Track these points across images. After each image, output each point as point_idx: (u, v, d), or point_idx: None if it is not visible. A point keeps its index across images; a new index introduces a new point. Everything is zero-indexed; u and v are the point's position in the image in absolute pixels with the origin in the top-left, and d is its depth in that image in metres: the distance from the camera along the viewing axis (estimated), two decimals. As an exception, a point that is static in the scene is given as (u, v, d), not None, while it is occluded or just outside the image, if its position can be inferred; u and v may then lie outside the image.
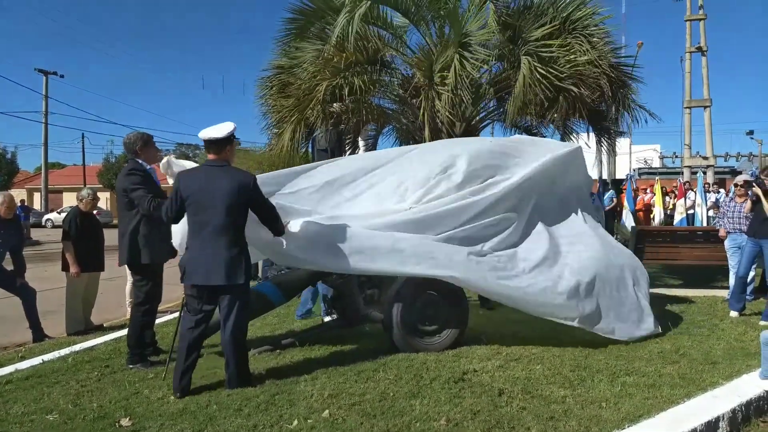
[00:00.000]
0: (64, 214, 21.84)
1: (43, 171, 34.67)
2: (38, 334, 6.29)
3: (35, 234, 24.04)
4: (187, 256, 4.02)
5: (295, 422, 3.44)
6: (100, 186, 40.52)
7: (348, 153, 11.42)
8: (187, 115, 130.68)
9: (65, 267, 6.60)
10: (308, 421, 3.47)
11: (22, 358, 5.16)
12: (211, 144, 4.03)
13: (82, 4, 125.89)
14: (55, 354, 5.17)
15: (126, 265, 4.90)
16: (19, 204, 25.26)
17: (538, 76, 8.02)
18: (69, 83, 71.37)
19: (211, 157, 4.07)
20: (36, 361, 4.97)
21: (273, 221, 4.21)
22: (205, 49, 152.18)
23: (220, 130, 4.04)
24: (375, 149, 12.41)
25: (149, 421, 3.51)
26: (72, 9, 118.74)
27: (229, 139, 4.10)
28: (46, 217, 34.27)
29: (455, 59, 7.95)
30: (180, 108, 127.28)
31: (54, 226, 31.00)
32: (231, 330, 3.99)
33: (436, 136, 8.43)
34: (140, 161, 4.82)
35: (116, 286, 7.77)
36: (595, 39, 8.67)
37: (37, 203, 42.48)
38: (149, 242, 4.66)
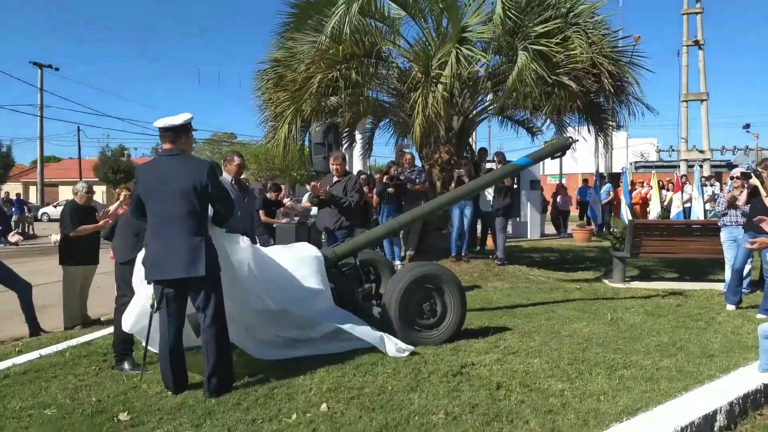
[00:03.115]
0: (60, 208, 21.75)
1: (38, 164, 34.43)
2: (35, 329, 6.26)
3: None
4: (147, 251, 3.85)
5: (294, 416, 3.45)
6: (96, 180, 40.36)
7: (345, 146, 11.43)
8: (183, 109, 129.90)
9: (63, 260, 6.58)
10: (307, 414, 3.47)
11: (20, 353, 5.14)
12: (168, 132, 3.88)
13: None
14: (53, 348, 5.15)
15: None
16: (14, 197, 25.29)
17: (535, 69, 8.00)
18: (64, 76, 70.81)
19: (166, 146, 3.92)
20: (33, 355, 4.95)
21: (222, 217, 4.05)
22: (202, 41, 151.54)
23: (176, 118, 3.92)
24: (372, 143, 12.42)
25: (148, 416, 3.51)
26: (67, 1, 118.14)
27: (186, 128, 3.95)
28: (42, 210, 34.07)
29: (452, 56, 7.93)
30: (176, 101, 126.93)
31: (50, 220, 30.90)
32: (213, 326, 3.83)
33: (433, 130, 8.42)
34: None
35: (112, 280, 7.73)
36: (594, 32, 8.66)
37: (33, 197, 42.32)
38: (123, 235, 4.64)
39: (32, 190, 45.81)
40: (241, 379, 4.08)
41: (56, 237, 6.91)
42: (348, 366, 4.32)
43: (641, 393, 3.80)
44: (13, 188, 40.01)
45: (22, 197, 27.71)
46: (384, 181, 9.22)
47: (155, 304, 3.85)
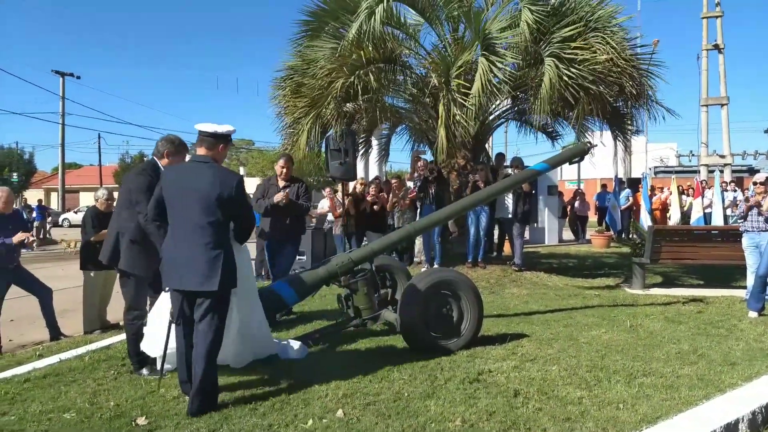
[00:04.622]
0: (81, 214, 22.06)
1: (60, 171, 35.04)
2: (55, 333, 6.36)
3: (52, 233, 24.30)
4: (165, 257, 3.76)
5: (310, 422, 3.44)
6: (116, 186, 40.85)
7: (361, 152, 11.46)
8: (202, 116, 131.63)
9: (83, 265, 6.67)
10: (323, 420, 3.47)
11: (40, 357, 5.20)
12: (208, 137, 3.81)
13: (96, 6, 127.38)
14: (72, 353, 5.20)
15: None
16: (36, 204, 25.70)
17: (565, 78, 7.98)
18: (85, 84, 71.92)
19: (200, 151, 3.83)
20: (53, 359, 5.00)
21: (244, 232, 3.97)
22: (220, 49, 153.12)
23: (221, 126, 3.87)
24: (388, 148, 12.43)
25: (165, 420, 3.52)
26: (87, 11, 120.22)
27: (226, 138, 3.88)
28: (63, 216, 34.63)
29: (481, 64, 7.90)
30: (194, 108, 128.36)
31: (71, 226, 31.34)
32: (205, 343, 3.65)
33: (450, 137, 8.42)
34: (161, 165, 4.52)
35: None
36: (615, 37, 8.61)
37: (55, 203, 42.99)
38: (138, 251, 4.33)
39: (53, 196, 46.51)
40: (257, 385, 4.09)
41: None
42: (364, 372, 4.30)
43: (661, 401, 3.74)
44: (34, 194, 40.68)
45: (43, 203, 28.14)
46: (425, 175, 9.21)
47: (174, 315, 3.78)
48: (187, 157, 4.51)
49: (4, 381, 4.42)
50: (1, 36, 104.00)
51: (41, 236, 22.89)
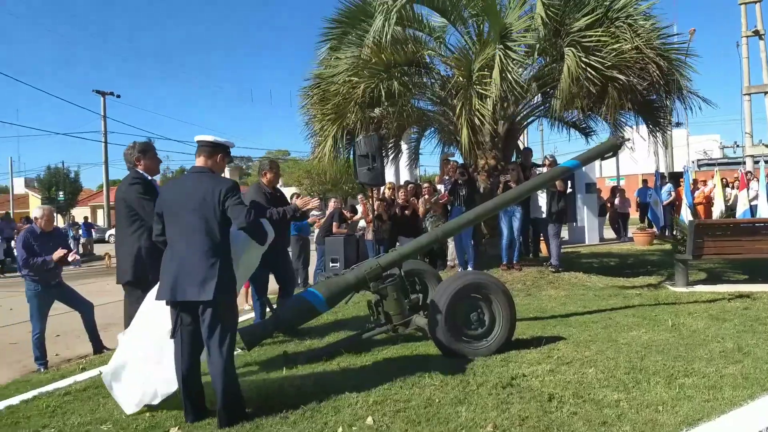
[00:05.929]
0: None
1: (104, 188, 36.01)
2: (98, 346, 6.53)
3: (98, 249, 25.06)
4: (162, 269, 3.70)
5: (340, 429, 3.43)
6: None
7: (391, 157, 11.44)
8: (236, 129, 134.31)
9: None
10: (353, 428, 3.45)
11: (83, 370, 5.35)
12: (205, 146, 3.85)
13: (130, 24, 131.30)
14: (113, 365, 5.32)
15: (125, 284, 4.76)
16: (82, 221, 26.55)
17: (583, 67, 7.80)
18: (125, 103, 74.31)
19: (198, 162, 3.87)
20: (94, 372, 5.12)
21: (254, 231, 3.74)
22: (255, 62, 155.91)
23: (218, 137, 3.92)
24: (418, 152, 12.38)
25: (198, 430, 3.57)
26: (123, 30, 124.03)
27: (225, 149, 3.92)
28: (109, 232, 35.68)
29: (498, 56, 7.79)
30: (230, 121, 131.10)
31: (116, 241, 32.23)
32: (218, 357, 3.55)
33: (477, 136, 8.33)
34: (140, 171, 4.71)
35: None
36: (639, 25, 8.38)
37: (101, 220, 44.34)
38: (153, 258, 4.26)
39: (99, 213, 47.97)
40: (288, 393, 4.10)
41: None
42: (395, 378, 4.27)
43: (703, 402, 3.60)
44: (81, 212, 42.03)
45: (89, 220, 29.07)
46: (456, 178, 9.16)
47: (172, 330, 3.68)
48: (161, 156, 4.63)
49: (46, 394, 4.56)
50: (45, 62, 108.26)
51: (88, 252, 23.64)
